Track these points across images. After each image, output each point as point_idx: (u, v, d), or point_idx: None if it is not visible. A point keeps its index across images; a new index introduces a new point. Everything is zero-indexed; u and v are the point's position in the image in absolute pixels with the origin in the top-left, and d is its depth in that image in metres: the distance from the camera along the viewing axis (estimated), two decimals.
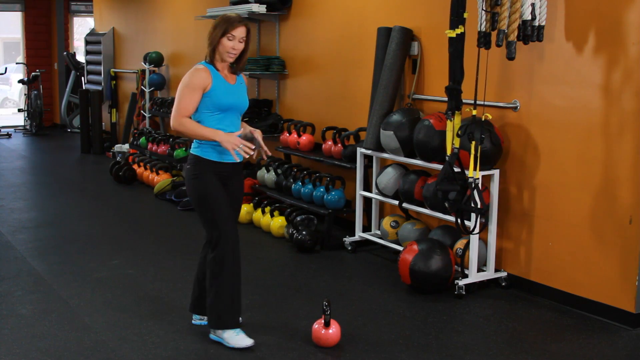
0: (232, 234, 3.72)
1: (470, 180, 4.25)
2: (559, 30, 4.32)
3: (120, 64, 11.23)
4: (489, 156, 4.53)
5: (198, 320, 4.02)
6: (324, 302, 3.74)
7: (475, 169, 4.25)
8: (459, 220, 4.27)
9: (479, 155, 4.25)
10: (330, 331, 3.76)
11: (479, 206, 4.24)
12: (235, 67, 3.78)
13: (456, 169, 4.36)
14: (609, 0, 4.07)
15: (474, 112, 4.30)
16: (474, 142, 4.23)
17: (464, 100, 4.34)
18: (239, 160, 3.76)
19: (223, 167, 3.76)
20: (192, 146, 3.82)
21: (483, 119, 4.33)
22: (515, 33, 4.13)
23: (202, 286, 3.90)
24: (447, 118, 4.34)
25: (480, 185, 4.30)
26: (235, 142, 3.63)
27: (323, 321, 3.75)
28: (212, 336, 3.82)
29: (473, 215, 4.40)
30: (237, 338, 3.72)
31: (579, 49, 4.23)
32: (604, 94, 4.12)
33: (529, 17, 4.10)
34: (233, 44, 3.67)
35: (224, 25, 3.67)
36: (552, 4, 4.25)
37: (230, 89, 3.75)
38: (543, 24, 4.16)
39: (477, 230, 4.40)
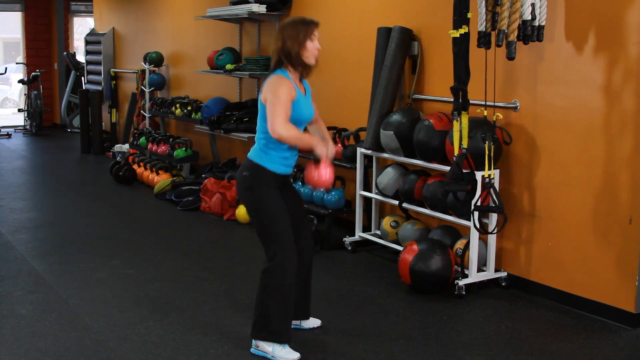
0: (289, 247, 3.59)
1: (487, 180, 4.26)
2: (559, 30, 4.32)
3: (120, 64, 11.23)
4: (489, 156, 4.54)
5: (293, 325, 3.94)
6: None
7: (490, 169, 4.26)
8: (476, 221, 4.27)
9: (492, 155, 4.26)
10: (323, 170, 3.62)
11: (496, 205, 4.25)
12: (307, 73, 3.65)
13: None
14: (609, 0, 4.07)
15: (485, 113, 4.32)
16: (487, 143, 4.24)
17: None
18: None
19: (281, 178, 3.66)
20: (252, 152, 3.66)
21: (494, 119, 4.34)
22: (515, 33, 4.13)
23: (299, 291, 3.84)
24: (454, 118, 4.33)
25: (496, 184, 4.32)
26: (331, 152, 3.59)
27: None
28: (254, 351, 3.70)
29: (492, 215, 4.40)
30: (283, 352, 3.62)
31: (579, 49, 4.23)
32: (604, 93, 4.12)
33: (529, 17, 4.10)
34: (316, 44, 3.59)
35: (304, 28, 3.57)
36: (552, 4, 4.25)
37: (305, 100, 3.65)
38: (543, 24, 4.16)
39: (497, 229, 4.40)
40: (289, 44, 3.59)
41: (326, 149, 3.59)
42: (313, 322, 4.03)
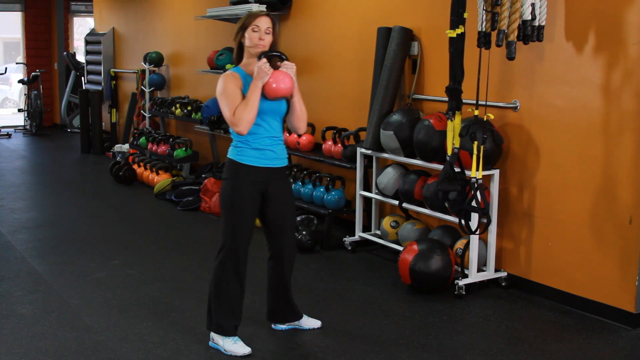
0: (238, 245, 3.62)
1: (473, 180, 4.25)
2: (559, 30, 4.33)
3: (120, 64, 11.23)
4: (490, 156, 4.53)
5: (278, 326, 4.01)
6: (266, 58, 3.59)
7: (477, 169, 4.24)
8: (462, 221, 4.26)
9: (481, 155, 4.25)
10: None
11: (480, 206, 4.23)
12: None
13: (456, 169, 4.36)
14: (609, 0, 4.07)
15: (477, 113, 4.31)
16: (476, 143, 4.23)
17: (465, 101, 4.34)
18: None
19: (261, 173, 3.64)
20: (229, 150, 3.70)
21: (485, 119, 4.33)
22: (515, 33, 4.13)
23: (274, 296, 3.90)
24: (448, 118, 4.33)
25: (482, 185, 4.29)
26: (262, 68, 3.52)
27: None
28: (211, 344, 3.77)
29: (475, 215, 4.39)
30: (234, 346, 3.67)
31: (579, 49, 4.23)
32: (604, 94, 4.12)
33: (529, 17, 4.10)
34: (259, 34, 3.62)
35: (247, 19, 3.67)
36: (552, 4, 4.25)
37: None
38: (543, 24, 4.16)
39: (479, 230, 4.39)
40: (236, 36, 3.70)
41: (257, 70, 3.52)
42: (313, 323, 4.04)
